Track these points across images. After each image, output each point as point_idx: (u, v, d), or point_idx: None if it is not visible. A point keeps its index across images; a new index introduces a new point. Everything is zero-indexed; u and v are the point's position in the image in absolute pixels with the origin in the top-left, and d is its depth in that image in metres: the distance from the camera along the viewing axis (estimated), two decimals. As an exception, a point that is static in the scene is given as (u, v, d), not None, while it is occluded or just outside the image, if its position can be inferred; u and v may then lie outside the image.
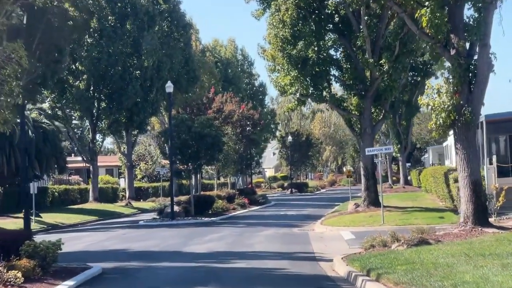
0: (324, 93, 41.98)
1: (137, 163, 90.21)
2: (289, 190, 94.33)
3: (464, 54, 24.44)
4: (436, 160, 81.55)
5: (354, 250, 25.39)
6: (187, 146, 47.79)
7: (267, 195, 72.08)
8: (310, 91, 41.35)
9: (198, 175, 57.83)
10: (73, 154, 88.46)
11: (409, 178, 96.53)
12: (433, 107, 24.36)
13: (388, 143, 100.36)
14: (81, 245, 31.80)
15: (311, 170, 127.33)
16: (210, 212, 50.43)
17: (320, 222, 40.52)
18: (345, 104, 43.55)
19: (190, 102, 61.30)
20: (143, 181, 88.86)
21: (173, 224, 43.49)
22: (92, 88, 64.12)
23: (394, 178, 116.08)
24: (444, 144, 71.96)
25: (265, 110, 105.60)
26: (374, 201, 42.03)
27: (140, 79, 65.33)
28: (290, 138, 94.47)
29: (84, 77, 62.74)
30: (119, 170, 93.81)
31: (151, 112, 66.93)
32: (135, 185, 79.51)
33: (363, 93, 42.40)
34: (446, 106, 24.00)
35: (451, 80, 24.07)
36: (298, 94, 41.61)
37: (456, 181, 35.79)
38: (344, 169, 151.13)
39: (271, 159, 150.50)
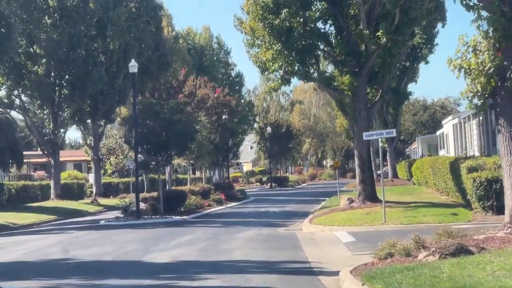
0: (312, 70, 35.77)
1: (107, 157, 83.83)
2: (269, 184, 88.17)
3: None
4: (426, 151, 75.78)
5: (361, 259, 19.72)
6: (154, 134, 41.68)
7: (245, 190, 65.88)
8: (296, 68, 35.16)
9: (169, 168, 51.40)
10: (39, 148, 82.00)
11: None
12: (468, 70, 18.16)
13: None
14: (18, 253, 25.57)
15: (292, 163, 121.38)
16: (182, 209, 44.39)
17: (309, 221, 34.69)
18: (335, 83, 37.49)
19: (159, 86, 54.83)
20: (114, 176, 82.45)
21: (138, 225, 37.35)
22: (52, 74, 57.48)
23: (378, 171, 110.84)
24: (438, 132, 66.22)
25: (243, 101, 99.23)
26: (370, 195, 36.10)
27: (105, 64, 58.95)
28: (269, 129, 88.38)
29: (43, 62, 56.13)
30: (88, 165, 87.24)
31: (118, 100, 60.38)
32: (104, 180, 73.24)
33: (356, 70, 36.43)
34: (485, 68, 17.81)
35: (491, 35, 17.85)
36: (281, 71, 35.50)
37: (470, 171, 30.03)
38: (324, 163, 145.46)
39: (248, 152, 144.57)
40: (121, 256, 23.46)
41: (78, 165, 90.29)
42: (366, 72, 36.25)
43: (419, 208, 33.34)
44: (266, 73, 36.01)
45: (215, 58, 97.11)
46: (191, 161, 56.41)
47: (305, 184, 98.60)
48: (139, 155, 42.17)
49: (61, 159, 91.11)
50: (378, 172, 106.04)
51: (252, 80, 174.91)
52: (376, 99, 37.41)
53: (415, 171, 60.96)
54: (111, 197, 66.60)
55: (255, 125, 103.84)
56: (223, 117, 56.67)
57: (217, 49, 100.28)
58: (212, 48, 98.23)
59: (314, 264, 19.80)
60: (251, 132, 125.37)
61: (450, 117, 52.50)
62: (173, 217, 40.45)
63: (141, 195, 46.42)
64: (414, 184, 63.05)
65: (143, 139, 41.80)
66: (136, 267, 20.61)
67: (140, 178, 71.71)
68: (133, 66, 40.60)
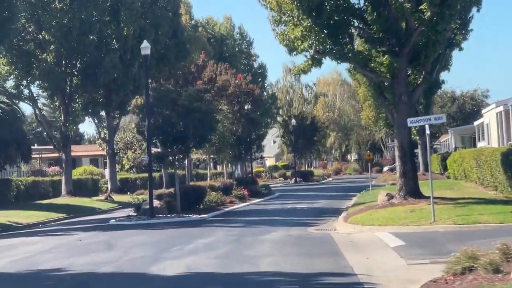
0: (346, 49, 31.31)
1: (124, 151, 79.83)
2: (293, 179, 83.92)
3: None
4: (459, 143, 71.16)
5: (421, 270, 15.92)
6: (171, 124, 37.55)
7: (270, 186, 61.56)
8: (328, 47, 30.73)
9: (187, 162, 47.11)
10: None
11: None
12: None
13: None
14: (3, 261, 21.50)
15: (317, 157, 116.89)
16: (201, 207, 40.30)
17: (343, 219, 30.55)
18: (372, 64, 33.05)
19: (175, 72, 50.52)
20: (131, 171, 78.33)
21: (151, 224, 33.19)
22: (62, 62, 53.35)
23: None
24: (476, 123, 61.57)
25: (265, 94, 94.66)
26: (413, 191, 31.73)
27: (119, 51, 54.85)
28: (293, 121, 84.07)
29: (52, 49, 51.96)
30: (104, 160, 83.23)
31: (133, 90, 56.13)
32: (121, 176, 69.31)
33: (396, 49, 31.99)
34: None
35: None
36: (312, 51, 31.12)
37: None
38: (348, 157, 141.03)
39: (271, 147, 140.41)
40: (124, 265, 19.27)
41: (94, 160, 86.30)
42: (407, 52, 31.84)
43: (471, 205, 28.97)
44: (294, 53, 31.54)
45: (236, 49, 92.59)
46: (211, 155, 52.28)
47: (330, 179, 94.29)
48: (154, 148, 38.01)
49: (77, 154, 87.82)
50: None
51: (275, 73, 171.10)
52: (419, 81, 32.92)
53: (450, 164, 56.58)
54: (128, 193, 62.45)
55: (279, 118, 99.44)
56: (246, 107, 52.34)
57: (239, 39, 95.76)
58: (233, 38, 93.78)
59: (363, 277, 15.60)
60: (274, 126, 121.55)
61: (494, 105, 47.94)
62: (191, 215, 36.29)
63: (156, 191, 42.40)
64: (449, 178, 58.69)
65: (158, 129, 37.69)
66: (138, 283, 16.42)
67: (158, 174, 68.14)
68: (145, 47, 36.40)
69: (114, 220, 36.22)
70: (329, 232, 27.05)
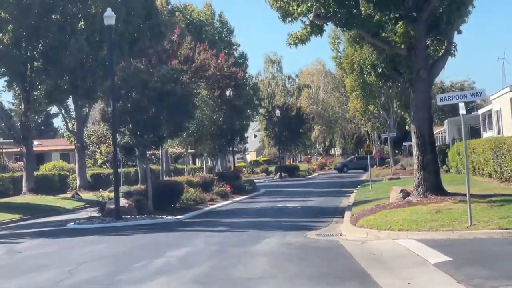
0: (353, 13, 25.36)
1: (97, 145, 73.55)
2: (278, 174, 77.90)
3: None
4: (456, 135, 65.44)
5: None
6: (141, 109, 31.66)
7: (254, 181, 55.41)
8: (331, 10, 24.75)
9: (161, 154, 40.94)
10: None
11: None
12: None
13: (390, 119, 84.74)
14: None
15: (302, 151, 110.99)
16: (177, 206, 34.38)
17: (350, 221, 24.80)
18: (384, 33, 27.22)
19: (146, 49, 44.23)
20: (105, 166, 72.06)
21: (115, 228, 27.22)
22: (22, 44, 47.03)
23: (389, 160, 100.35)
24: (482, 111, 55.83)
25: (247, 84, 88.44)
26: (434, 186, 25.91)
27: (86, 32, 48.60)
28: (278, 112, 78.11)
29: (10, 29, 45.63)
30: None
31: (102, 75, 49.68)
32: (94, 171, 63.16)
33: (413, 14, 26.13)
34: None
35: None
36: (311, 15, 25.17)
37: None
38: (332, 151, 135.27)
39: (252, 141, 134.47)
40: (60, 297, 13.29)
41: (65, 155, 79.89)
42: (426, 18, 26.04)
43: (509, 204, 23.15)
44: (289, 19, 25.62)
45: (216, 37, 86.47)
46: (189, 147, 46.22)
47: (316, 174, 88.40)
48: (119, 137, 32.05)
49: (46, 148, 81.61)
50: (387, 160, 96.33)
51: (256, 65, 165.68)
52: (440, 54, 27.01)
53: (453, 157, 51.01)
54: (101, 190, 56.16)
55: (261, 110, 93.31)
56: (228, 93, 46.23)
57: (219, 27, 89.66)
58: (213, 26, 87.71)
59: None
60: (255, 120, 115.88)
61: (507, 89, 42.13)
62: (165, 216, 30.33)
63: (131, 188, 36.46)
64: (448, 172, 53.24)
65: (126, 115, 31.71)
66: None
67: (134, 169, 62.05)
68: (109, 16, 30.45)
69: (73, 223, 30.13)
70: (337, 240, 21.32)
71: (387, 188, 38.79)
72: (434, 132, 78.78)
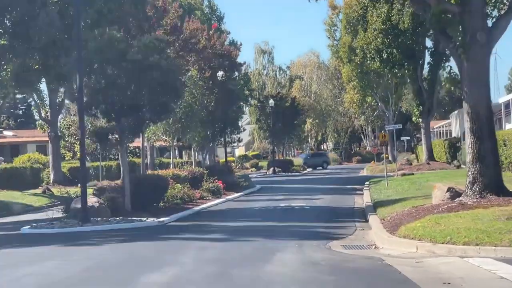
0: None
1: (76, 137, 67.14)
2: (271, 169, 71.60)
3: None
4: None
5: None
6: (118, 87, 25.57)
7: (249, 176, 48.93)
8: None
9: (142, 140, 34.38)
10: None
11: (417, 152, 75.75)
12: None
13: (389, 112, 78.81)
14: None
15: (297, 144, 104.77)
16: (161, 205, 28.21)
17: (384, 228, 18.88)
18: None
19: (125, 16, 37.63)
20: (86, 159, 65.59)
21: (79, 235, 21.11)
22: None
23: (386, 156, 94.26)
24: (502, 99, 49.94)
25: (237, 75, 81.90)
26: (494, 183, 19.81)
27: (58, 4, 42.15)
28: (271, 101, 71.85)
29: (-30, 0, 39.28)
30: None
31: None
32: (72, 165, 56.79)
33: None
34: None
35: None
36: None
37: None
38: (324, 147, 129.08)
39: (241, 135, 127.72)
40: None
41: (41, 147, 73.32)
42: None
43: None
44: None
45: (206, 24, 80.00)
46: (175, 137, 39.87)
47: (310, 169, 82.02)
48: (90, 120, 25.97)
49: (21, 139, 75.24)
50: (382, 155, 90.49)
51: (246, 56, 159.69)
52: (502, 12, 20.82)
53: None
54: (79, 185, 49.71)
55: (252, 102, 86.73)
56: (220, 73, 39.83)
57: (209, 13, 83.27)
58: (202, 11, 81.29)
59: None
60: (245, 113, 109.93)
61: None
62: (146, 219, 24.26)
63: (96, 184, 30.44)
64: (459, 167, 47.45)
65: (99, 94, 25.59)
66: None
67: (116, 162, 55.87)
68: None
69: (29, 226, 23.89)
70: (377, 255, 15.47)
71: (408, 185, 32.95)
72: (434, 127, 73.08)
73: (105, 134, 26.54)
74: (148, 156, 53.05)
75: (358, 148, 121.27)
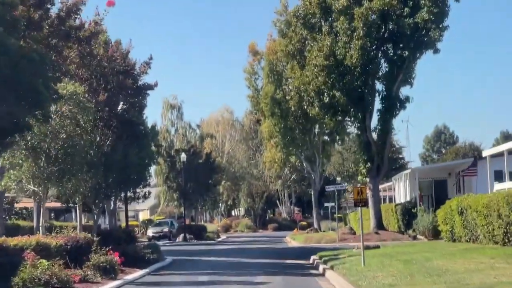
0: None
1: None
2: (181, 236, 58.57)
3: None
4: (414, 192, 48.33)
5: None
6: None
7: (157, 245, 35.54)
8: None
9: None
10: None
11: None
12: None
13: (316, 173, 67.63)
14: None
15: (210, 207, 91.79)
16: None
17: None
18: None
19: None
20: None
21: None
22: None
23: (303, 222, 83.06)
24: (492, 151, 38.94)
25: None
26: None
27: None
28: (183, 156, 59.44)
29: None
30: None
31: None
32: None
33: None
34: None
35: None
36: None
37: None
38: (234, 213, 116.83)
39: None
40: None
41: None
42: None
43: None
44: None
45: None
46: (47, 183, 26.83)
47: (225, 237, 69.46)
48: None
49: None
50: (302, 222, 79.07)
51: (151, 112, 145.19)
52: None
53: (447, 218, 33.77)
54: None
55: (160, 160, 73.73)
56: (120, 103, 27.45)
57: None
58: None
59: None
60: (150, 175, 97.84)
61: None
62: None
63: None
64: (416, 239, 36.63)
65: None
66: None
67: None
68: None
69: None
70: None
71: (403, 267, 21.17)
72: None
73: None
74: (35, 218, 40.95)
75: (272, 215, 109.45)
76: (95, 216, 32.39)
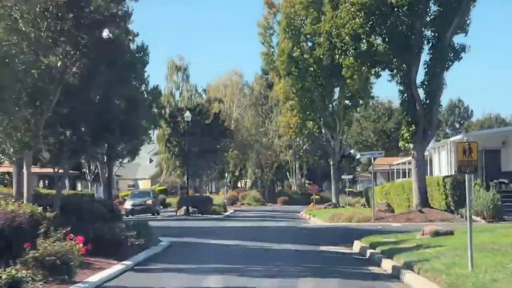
0: None
1: None
2: (183, 208, 49.18)
3: None
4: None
5: None
6: None
7: (148, 224, 25.98)
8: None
9: None
10: None
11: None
12: None
13: (336, 141, 58.72)
14: None
15: (217, 177, 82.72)
16: None
17: None
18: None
19: None
20: None
21: None
22: None
23: (316, 196, 73.95)
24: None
25: (144, 87, 58.73)
26: None
27: None
28: (188, 115, 50.17)
29: None
30: None
31: None
32: None
33: None
34: None
35: None
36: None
37: None
38: (240, 184, 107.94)
39: (146, 167, 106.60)
40: None
41: None
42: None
43: None
44: None
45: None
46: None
47: (232, 211, 60.39)
48: None
49: None
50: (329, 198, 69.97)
51: (155, 74, 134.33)
52: None
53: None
54: None
55: (162, 123, 64.16)
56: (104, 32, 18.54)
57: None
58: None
59: None
60: (152, 142, 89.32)
61: None
62: None
63: None
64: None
65: None
66: None
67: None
68: None
69: None
70: None
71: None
72: (396, 163, 53.23)
73: None
74: (14, 185, 31.94)
75: (281, 187, 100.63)
76: (58, 181, 23.05)
